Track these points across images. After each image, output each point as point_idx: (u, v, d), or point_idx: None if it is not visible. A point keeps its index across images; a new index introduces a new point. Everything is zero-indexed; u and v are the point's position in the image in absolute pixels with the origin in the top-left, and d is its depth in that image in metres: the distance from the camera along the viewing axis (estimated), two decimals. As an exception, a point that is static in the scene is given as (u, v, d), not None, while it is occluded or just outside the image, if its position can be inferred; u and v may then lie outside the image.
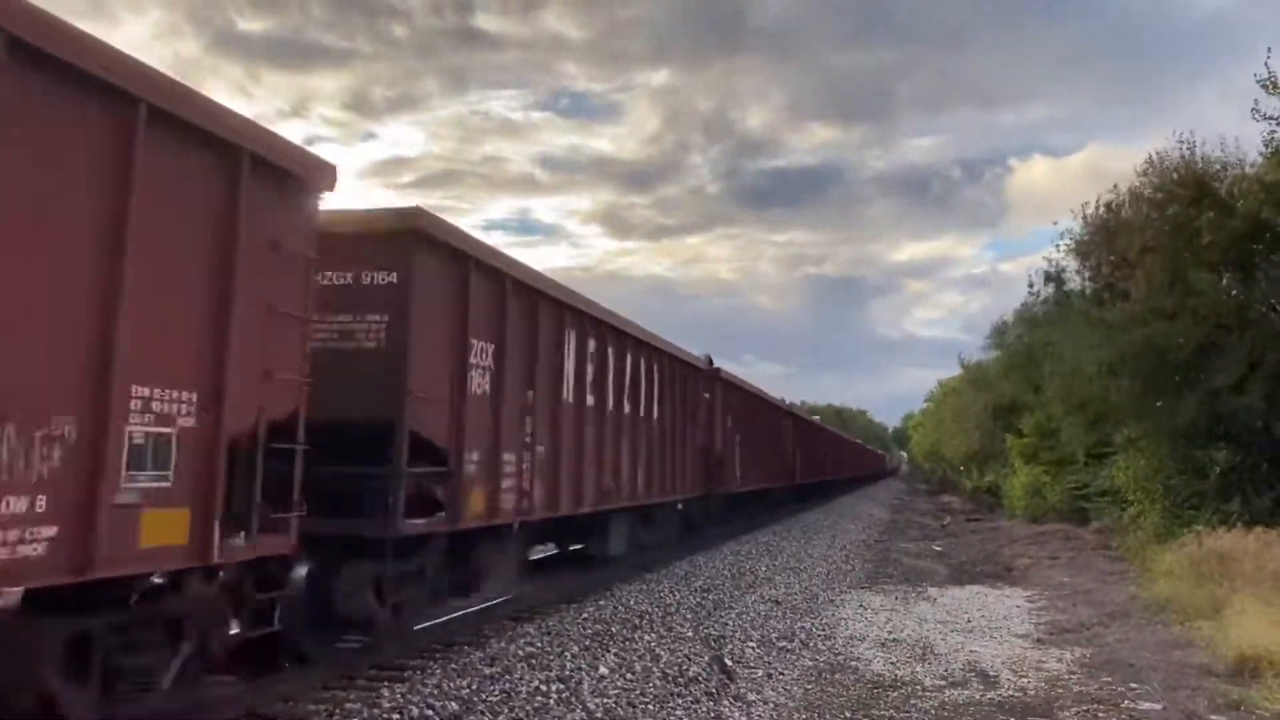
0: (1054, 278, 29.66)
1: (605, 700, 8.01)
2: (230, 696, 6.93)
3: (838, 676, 10.04)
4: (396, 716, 6.94)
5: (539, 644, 9.56)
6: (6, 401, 4.61)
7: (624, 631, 10.69)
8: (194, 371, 5.78)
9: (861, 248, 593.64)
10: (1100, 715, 8.67)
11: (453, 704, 7.36)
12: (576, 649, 9.53)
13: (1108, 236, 23.63)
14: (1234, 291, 20.51)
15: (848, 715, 8.57)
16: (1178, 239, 20.45)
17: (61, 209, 4.94)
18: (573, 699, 7.92)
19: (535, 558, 13.88)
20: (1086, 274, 26.05)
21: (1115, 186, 23.60)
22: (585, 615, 11.29)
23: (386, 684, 7.70)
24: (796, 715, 8.52)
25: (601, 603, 12.26)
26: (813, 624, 12.92)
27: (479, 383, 9.50)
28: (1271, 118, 18.59)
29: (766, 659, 10.50)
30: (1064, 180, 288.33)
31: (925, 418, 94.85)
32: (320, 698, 7.32)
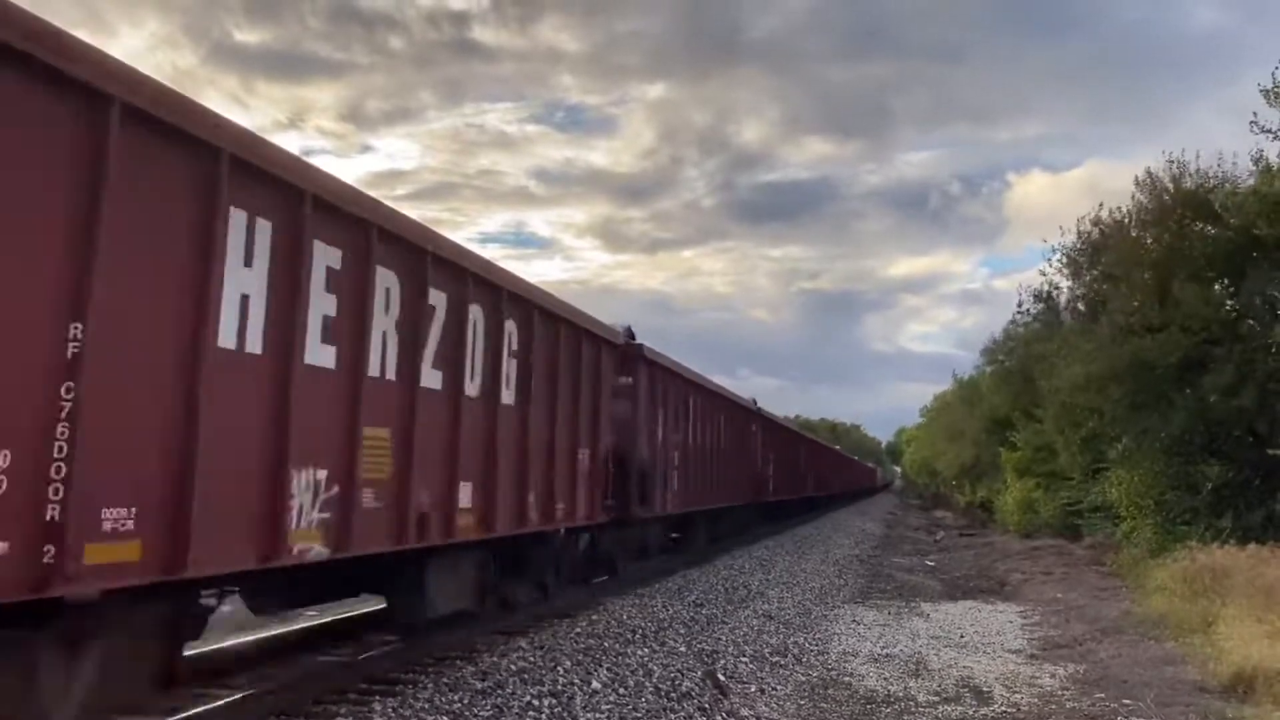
0: (1042, 296, 29.91)
1: (598, 715, 7.98)
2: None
3: (831, 692, 10.01)
4: (388, 731, 6.90)
5: (531, 658, 9.52)
6: None
7: (617, 646, 10.65)
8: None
9: (857, 263, 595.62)
10: (1093, 731, 8.66)
11: (445, 718, 7.34)
12: (569, 663, 9.49)
13: (1094, 254, 23.76)
14: (1225, 304, 20.62)
15: (841, 731, 8.54)
16: (1168, 254, 20.57)
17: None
18: (565, 714, 7.89)
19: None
20: (1078, 290, 26.17)
21: (1101, 204, 23.79)
22: (578, 630, 11.26)
23: (379, 698, 7.66)
24: (789, 731, 8.49)
25: (594, 617, 12.23)
26: (806, 639, 12.89)
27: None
28: (1269, 130, 18.74)
29: (759, 674, 10.46)
30: (1063, 196, 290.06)
31: (919, 432, 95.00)
32: (311, 711, 7.28)
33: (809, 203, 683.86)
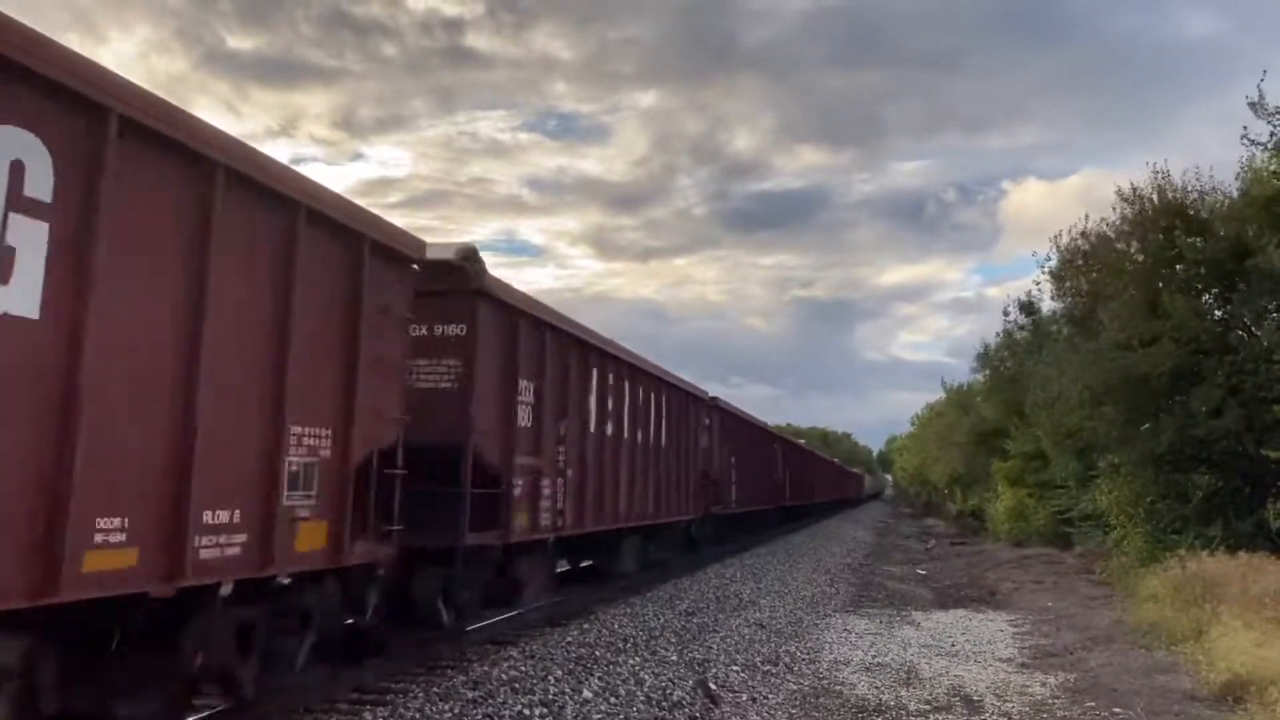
0: (1028, 307, 29.99)
1: (589, 724, 7.96)
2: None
3: (822, 701, 10.00)
4: (378, 741, 6.87)
5: (522, 667, 9.50)
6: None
7: (608, 655, 10.64)
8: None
9: (849, 271, 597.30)
10: (1084, 740, 8.66)
11: (435, 728, 7.32)
12: (560, 673, 9.47)
13: (1078, 268, 23.83)
14: (1214, 315, 20.67)
15: (832, 740, 8.53)
16: (1155, 265, 20.63)
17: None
18: (556, 723, 7.87)
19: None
20: (1065, 301, 26.23)
21: (1086, 216, 23.84)
22: (569, 639, 11.23)
23: (369, 707, 7.64)
24: (781, 740, 8.48)
25: (586, 626, 12.20)
26: (797, 648, 12.88)
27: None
28: (1260, 143, 18.82)
29: (751, 683, 10.46)
30: (1058, 204, 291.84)
31: (910, 441, 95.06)
32: (301, 722, 7.26)
33: (802, 211, 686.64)
